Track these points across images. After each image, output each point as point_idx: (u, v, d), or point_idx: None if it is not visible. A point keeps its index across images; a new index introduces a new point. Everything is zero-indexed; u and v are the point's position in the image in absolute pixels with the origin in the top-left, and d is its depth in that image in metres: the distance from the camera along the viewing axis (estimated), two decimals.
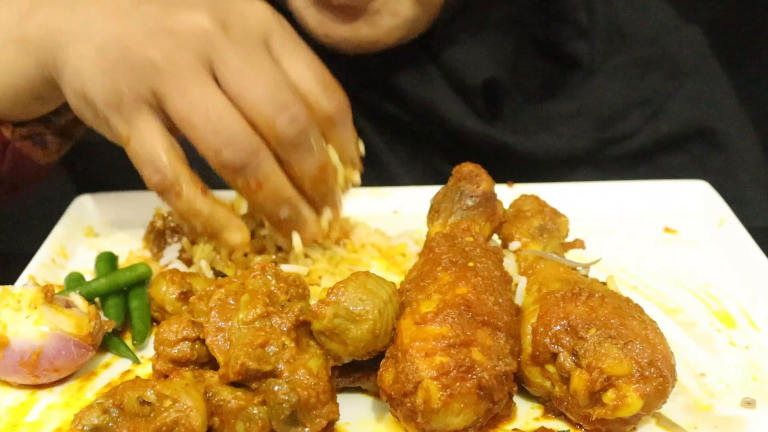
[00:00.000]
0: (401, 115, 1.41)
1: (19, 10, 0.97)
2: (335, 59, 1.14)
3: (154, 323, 0.98)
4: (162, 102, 0.91)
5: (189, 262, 1.07)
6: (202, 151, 0.92)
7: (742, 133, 1.49)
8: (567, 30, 1.45)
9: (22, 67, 0.98)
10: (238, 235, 0.97)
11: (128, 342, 0.96)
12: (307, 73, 0.95)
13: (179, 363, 0.84)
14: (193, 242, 1.08)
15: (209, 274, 0.99)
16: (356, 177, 1.05)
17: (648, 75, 1.47)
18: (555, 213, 1.01)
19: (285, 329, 0.80)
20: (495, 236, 1.02)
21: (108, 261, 1.09)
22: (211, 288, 0.85)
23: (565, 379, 0.81)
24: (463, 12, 1.32)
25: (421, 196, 1.11)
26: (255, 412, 0.78)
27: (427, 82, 1.40)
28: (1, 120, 1.05)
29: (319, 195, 0.99)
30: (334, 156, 1.00)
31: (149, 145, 0.92)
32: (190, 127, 0.91)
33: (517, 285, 0.91)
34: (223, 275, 1.00)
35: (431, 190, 1.03)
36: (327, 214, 1.01)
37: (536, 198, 1.03)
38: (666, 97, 1.46)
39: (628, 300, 0.86)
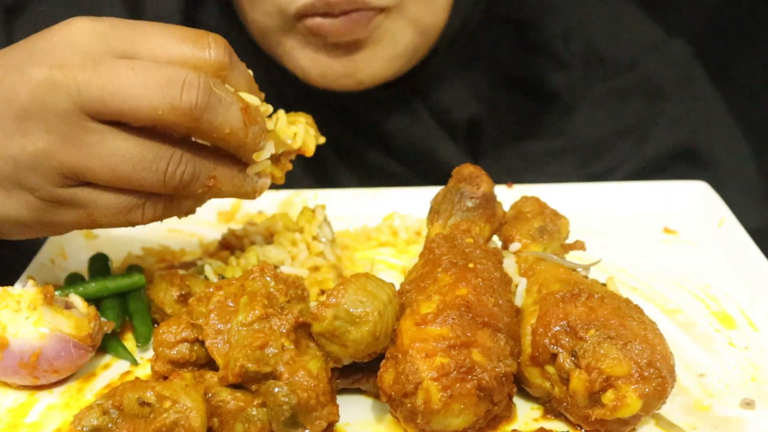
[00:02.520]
0: (386, 165, 1.40)
1: None
2: (321, 106, 1.12)
3: (154, 324, 0.98)
4: (76, 174, 0.83)
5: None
6: (148, 187, 0.84)
7: (730, 146, 1.47)
8: (544, 62, 1.45)
9: None
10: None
11: (127, 343, 0.96)
12: (170, 43, 0.84)
13: (178, 364, 0.84)
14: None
15: (214, 278, 0.99)
16: (266, 107, 0.95)
17: (629, 102, 1.46)
18: (555, 214, 1.01)
19: (284, 331, 0.80)
20: (495, 237, 1.02)
21: (101, 262, 1.09)
22: (210, 290, 0.85)
23: (565, 380, 0.81)
24: (451, 48, 1.32)
25: (420, 198, 1.11)
26: (254, 413, 0.78)
27: (415, 122, 1.39)
28: None
29: (254, 135, 0.89)
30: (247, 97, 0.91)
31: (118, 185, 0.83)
32: (119, 178, 0.83)
33: (516, 286, 0.91)
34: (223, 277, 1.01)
35: (431, 191, 1.04)
36: (269, 147, 0.93)
37: (537, 199, 1.03)
38: (649, 122, 1.45)
39: (627, 301, 0.86)
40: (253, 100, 0.89)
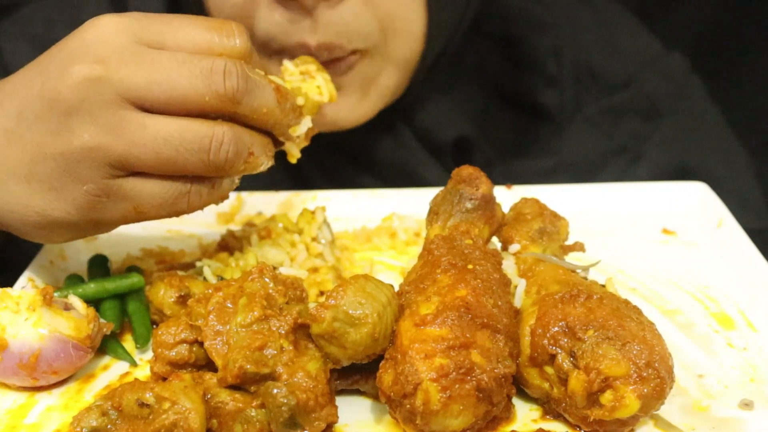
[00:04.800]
0: (373, 186, 1.38)
1: None
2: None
3: (153, 326, 0.98)
4: (122, 163, 0.85)
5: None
6: (192, 169, 0.87)
7: (726, 163, 1.46)
8: (534, 80, 1.44)
9: None
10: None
11: (126, 344, 0.96)
12: (197, 33, 0.88)
13: (177, 365, 0.84)
14: None
15: (213, 280, 0.99)
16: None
17: (623, 120, 1.45)
18: (555, 216, 1.01)
19: (283, 332, 0.80)
20: (494, 239, 1.02)
21: (100, 264, 1.09)
22: (209, 291, 0.85)
23: (564, 381, 0.81)
24: (434, 70, 1.31)
25: (420, 199, 1.11)
26: (253, 414, 0.78)
27: (400, 146, 1.39)
28: None
29: (287, 112, 0.94)
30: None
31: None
32: (163, 162, 0.85)
33: (516, 287, 0.91)
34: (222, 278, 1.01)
35: (430, 192, 1.04)
36: (306, 122, 0.98)
37: (536, 201, 1.03)
38: (643, 141, 1.44)
39: (626, 301, 0.86)
40: (279, 81, 0.96)
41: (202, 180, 0.90)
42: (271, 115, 0.91)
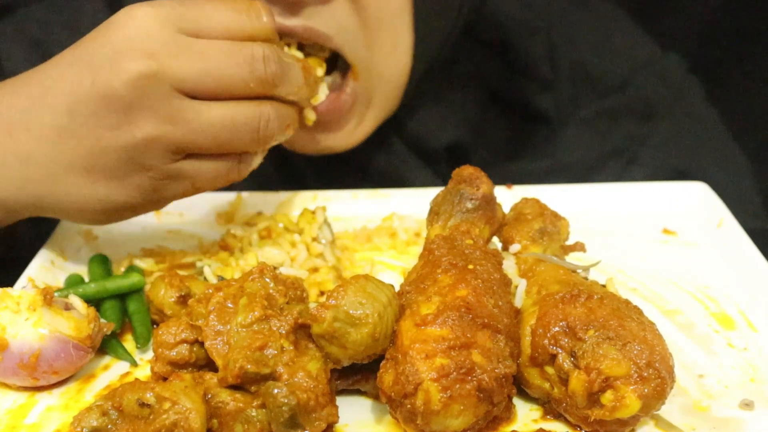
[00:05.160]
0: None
1: None
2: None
3: (154, 326, 0.98)
4: (182, 149, 0.93)
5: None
6: (245, 146, 0.96)
7: (724, 165, 1.45)
8: (529, 84, 1.44)
9: None
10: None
11: (127, 344, 0.96)
12: (228, 17, 0.94)
13: (178, 365, 0.84)
14: None
15: (213, 280, 0.99)
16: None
17: (619, 122, 1.45)
18: (555, 216, 1.01)
19: (284, 332, 0.80)
20: (495, 239, 1.02)
21: (101, 264, 1.09)
22: (210, 291, 0.85)
23: (564, 381, 0.81)
24: (425, 78, 1.31)
25: (420, 199, 1.11)
26: (254, 414, 0.78)
27: (391, 153, 1.39)
28: None
29: (312, 85, 1.04)
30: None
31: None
32: (220, 145, 0.94)
33: (516, 287, 0.91)
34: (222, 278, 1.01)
35: (430, 192, 1.04)
36: (323, 90, 1.10)
37: (537, 201, 1.03)
38: (639, 143, 1.44)
39: (627, 301, 0.86)
40: (300, 55, 1.09)
41: (248, 153, 0.99)
42: (301, 91, 1.00)
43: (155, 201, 0.98)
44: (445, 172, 1.37)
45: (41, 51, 1.32)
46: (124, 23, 0.90)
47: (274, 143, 1.01)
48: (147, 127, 0.89)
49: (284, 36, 1.10)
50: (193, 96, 0.91)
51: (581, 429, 0.82)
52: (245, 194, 1.27)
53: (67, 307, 0.91)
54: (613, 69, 1.47)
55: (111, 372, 0.93)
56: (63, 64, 0.93)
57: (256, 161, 1.03)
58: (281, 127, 0.98)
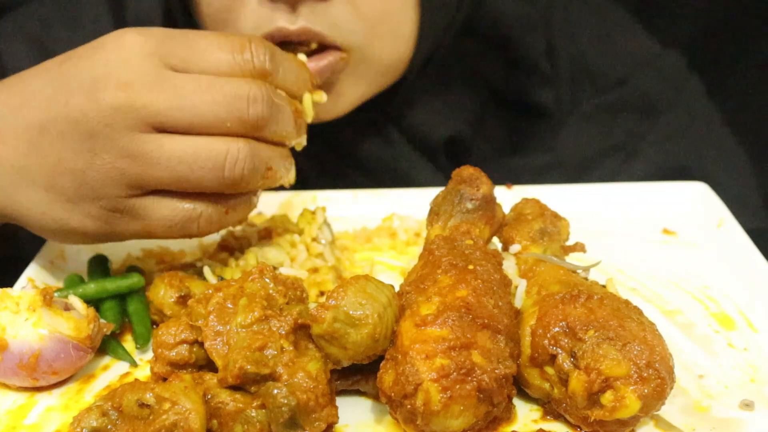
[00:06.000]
0: (366, 186, 1.38)
1: None
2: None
3: (153, 326, 0.98)
4: (139, 183, 0.88)
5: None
6: (207, 186, 0.89)
7: (724, 161, 1.46)
8: (529, 79, 1.44)
9: None
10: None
11: (126, 345, 0.96)
12: (219, 53, 0.90)
13: (178, 366, 0.84)
14: None
15: (213, 280, 0.99)
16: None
17: (619, 118, 1.45)
18: (555, 216, 1.01)
19: (283, 332, 0.80)
20: (495, 239, 1.02)
21: (100, 264, 1.09)
22: (210, 291, 0.85)
23: (564, 381, 0.81)
24: (424, 72, 1.31)
25: (420, 199, 1.11)
26: (253, 414, 0.78)
27: (389, 146, 1.39)
28: None
29: (301, 130, 0.98)
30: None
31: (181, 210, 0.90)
32: (177, 180, 0.88)
33: (516, 288, 0.91)
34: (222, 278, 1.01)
35: (431, 192, 1.04)
36: (304, 137, 1.00)
37: (537, 201, 1.03)
38: (639, 138, 1.44)
39: (627, 302, 0.86)
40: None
41: (217, 202, 0.93)
42: (288, 137, 0.94)
43: (108, 234, 0.93)
44: (445, 166, 1.36)
45: (42, 49, 1.31)
46: (110, 48, 0.88)
47: (257, 187, 0.93)
48: (106, 157, 0.87)
49: (277, 40, 1.08)
50: (165, 130, 0.87)
51: (581, 429, 0.82)
52: None
53: (67, 308, 0.91)
54: (613, 64, 1.47)
55: (111, 372, 0.93)
56: (46, 77, 0.91)
57: (235, 215, 0.95)
58: (256, 169, 0.90)
